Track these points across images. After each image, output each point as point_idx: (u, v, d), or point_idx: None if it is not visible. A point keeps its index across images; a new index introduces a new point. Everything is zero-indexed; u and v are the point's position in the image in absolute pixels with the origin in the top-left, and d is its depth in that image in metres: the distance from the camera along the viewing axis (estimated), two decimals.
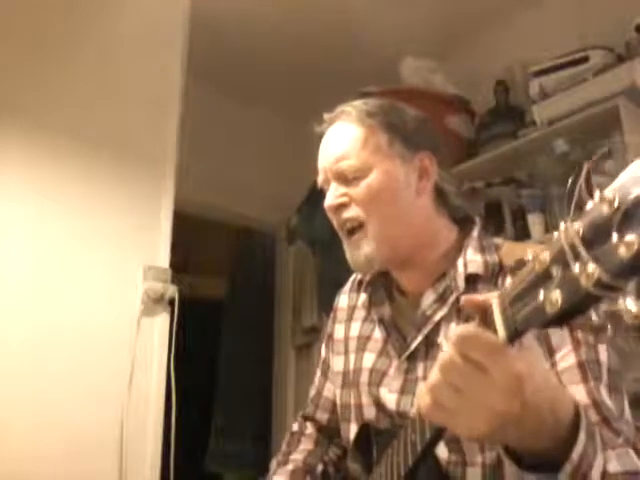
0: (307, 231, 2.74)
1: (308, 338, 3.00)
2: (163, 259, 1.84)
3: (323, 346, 1.14)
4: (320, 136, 0.97)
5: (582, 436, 0.55)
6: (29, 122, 1.69)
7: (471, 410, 0.51)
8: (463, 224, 0.97)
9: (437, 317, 0.88)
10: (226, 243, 3.64)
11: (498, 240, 0.93)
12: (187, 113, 2.04)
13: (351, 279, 1.11)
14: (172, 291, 1.81)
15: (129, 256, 1.78)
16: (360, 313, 1.03)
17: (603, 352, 0.76)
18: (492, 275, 0.87)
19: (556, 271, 0.44)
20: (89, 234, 1.72)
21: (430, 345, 0.88)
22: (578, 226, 0.43)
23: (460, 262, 0.89)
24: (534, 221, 2.18)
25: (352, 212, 0.90)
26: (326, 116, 0.97)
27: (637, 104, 2.00)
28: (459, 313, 0.86)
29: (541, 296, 0.45)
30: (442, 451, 0.81)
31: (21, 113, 1.69)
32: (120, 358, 1.68)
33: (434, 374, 0.54)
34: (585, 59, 2.09)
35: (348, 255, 0.93)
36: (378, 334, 0.97)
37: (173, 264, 1.86)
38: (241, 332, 3.37)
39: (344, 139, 0.92)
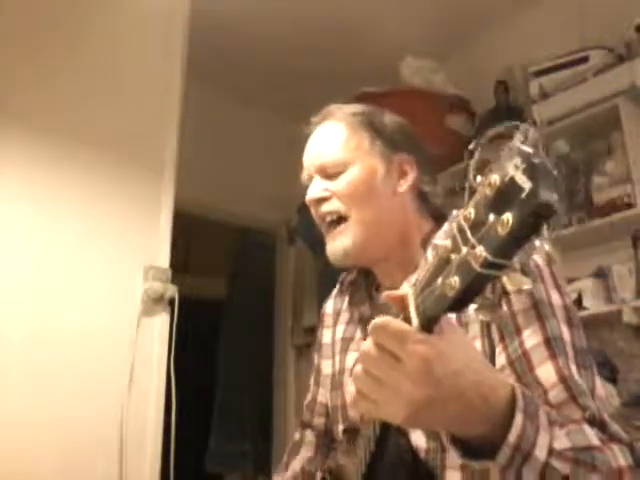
0: (307, 231, 2.74)
1: (308, 338, 3.00)
2: (163, 259, 1.84)
3: (315, 354, 1.15)
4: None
5: (518, 418, 0.55)
6: (29, 123, 1.69)
7: (390, 397, 0.53)
8: (441, 218, 0.98)
9: None
10: (226, 243, 3.64)
11: None
12: (187, 113, 2.04)
13: (338, 283, 1.13)
14: (172, 291, 1.81)
15: (129, 256, 1.78)
16: (345, 315, 1.05)
17: (566, 332, 0.75)
18: None
19: (454, 257, 0.46)
20: (89, 234, 1.72)
21: None
22: (468, 211, 0.44)
23: (429, 251, 0.89)
24: None
25: (332, 205, 0.93)
26: (313, 118, 1.00)
27: (637, 104, 2.00)
28: None
29: (440, 281, 0.47)
30: (420, 440, 0.81)
31: (21, 114, 1.69)
32: (120, 358, 1.68)
33: (357, 365, 0.56)
34: (585, 59, 2.10)
35: (327, 248, 0.95)
36: (359, 334, 0.99)
37: (173, 264, 1.86)
38: (241, 332, 3.37)
39: (327, 136, 0.96)
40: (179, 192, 1.95)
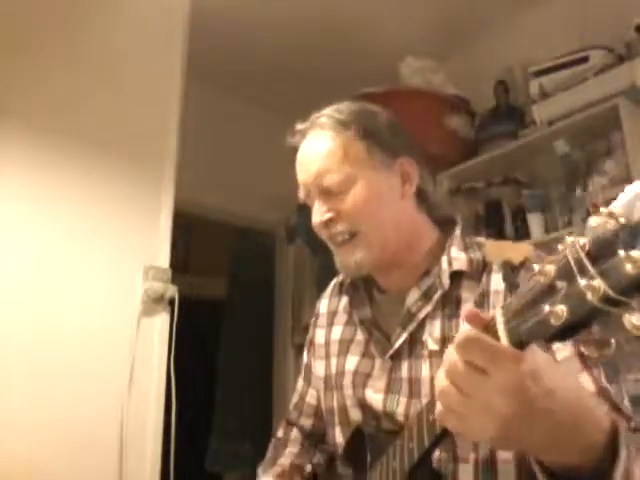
0: (307, 230, 2.74)
1: None
2: (163, 259, 1.84)
3: (305, 352, 1.14)
4: (294, 147, 0.96)
5: (623, 454, 0.54)
6: (29, 123, 1.69)
7: (479, 413, 0.51)
8: (444, 224, 0.97)
9: (422, 314, 0.88)
10: (226, 243, 3.64)
11: (480, 239, 0.94)
12: (187, 113, 2.04)
13: (332, 283, 1.12)
14: (172, 291, 1.81)
15: (129, 256, 1.78)
16: (342, 317, 1.04)
17: None
18: (476, 272, 0.87)
19: (561, 285, 0.44)
20: (89, 234, 1.72)
21: (414, 343, 0.88)
22: (584, 241, 0.43)
23: (444, 260, 0.89)
24: (534, 221, 2.18)
25: (341, 226, 0.90)
26: (299, 127, 0.96)
27: (637, 104, 2.00)
28: (444, 310, 0.87)
29: (546, 309, 0.45)
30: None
31: (21, 114, 1.69)
32: (120, 358, 1.68)
33: (442, 379, 0.54)
34: (585, 59, 2.09)
35: (337, 261, 0.93)
36: (360, 336, 0.97)
37: (173, 264, 1.86)
38: (241, 332, 3.37)
39: (323, 153, 0.91)
40: (179, 192, 1.95)
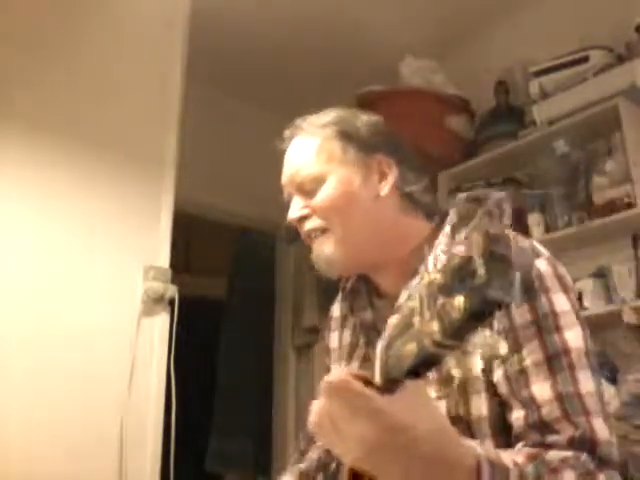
0: None
1: (308, 338, 3.00)
2: (163, 259, 1.84)
3: (327, 358, 1.14)
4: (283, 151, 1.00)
5: None
6: (29, 123, 1.69)
7: (342, 443, 0.55)
8: (439, 218, 0.96)
9: None
10: (226, 243, 3.64)
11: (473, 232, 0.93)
12: (187, 113, 2.04)
13: (340, 289, 1.12)
14: (172, 291, 1.81)
15: (129, 256, 1.78)
16: (350, 321, 1.04)
17: (572, 338, 0.75)
18: None
19: (415, 320, 0.45)
20: (89, 234, 1.72)
21: None
22: (436, 277, 0.43)
23: (430, 258, 0.88)
24: (534, 221, 2.18)
25: (314, 222, 0.92)
26: (285, 133, 1.00)
27: (637, 104, 2.00)
28: None
29: (400, 346, 0.46)
30: None
31: (21, 114, 1.69)
32: (120, 358, 1.68)
33: (320, 400, 0.57)
34: (585, 59, 2.10)
35: (313, 258, 0.94)
36: (362, 340, 0.98)
37: (173, 264, 1.86)
38: (241, 332, 3.36)
39: (298, 153, 0.95)
40: (179, 192, 1.95)
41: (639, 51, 2.00)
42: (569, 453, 0.67)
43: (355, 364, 0.97)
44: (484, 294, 0.39)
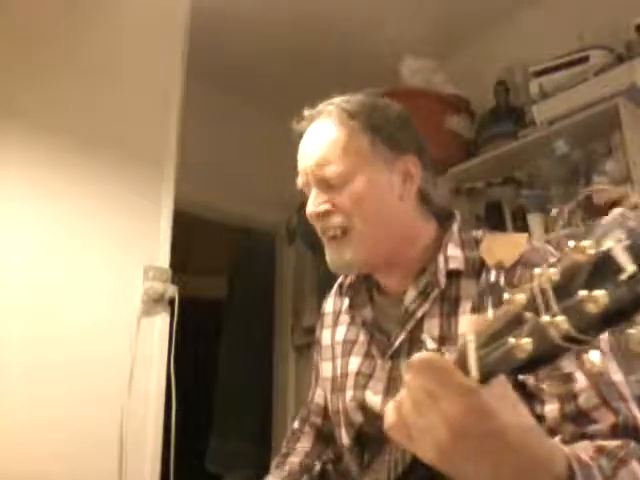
0: (307, 231, 2.74)
1: (308, 338, 2.99)
2: (163, 259, 1.84)
3: (314, 352, 1.14)
4: (300, 134, 0.94)
5: None
6: (29, 123, 1.69)
7: (423, 434, 0.51)
8: (444, 219, 0.95)
9: (419, 313, 0.87)
10: (226, 243, 3.64)
11: (478, 233, 0.92)
12: (187, 113, 2.04)
13: (337, 283, 1.11)
14: (172, 291, 1.81)
15: (129, 256, 1.78)
16: (345, 317, 1.03)
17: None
18: (473, 271, 0.86)
19: (528, 316, 0.43)
20: (89, 234, 1.72)
21: (413, 342, 0.87)
22: (552, 272, 0.42)
23: (440, 258, 0.88)
24: (534, 221, 2.18)
25: (335, 220, 0.88)
26: (306, 113, 0.94)
27: (637, 104, 2.00)
28: (442, 309, 0.86)
29: (512, 341, 0.44)
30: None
31: (21, 113, 1.69)
32: (120, 358, 1.68)
33: (401, 392, 0.54)
34: (585, 59, 2.09)
35: (328, 257, 0.91)
36: (362, 337, 0.97)
37: (173, 264, 1.86)
38: (241, 332, 3.36)
39: (325, 142, 0.89)
40: (179, 192, 1.95)
41: (639, 51, 2.00)
42: (619, 442, 0.65)
43: (356, 361, 0.96)
44: (634, 289, 0.37)
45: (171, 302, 1.81)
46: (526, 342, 0.42)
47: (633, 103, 1.99)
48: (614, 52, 2.08)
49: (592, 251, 0.39)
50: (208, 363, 3.39)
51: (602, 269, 0.38)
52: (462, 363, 0.50)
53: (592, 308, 0.38)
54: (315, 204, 0.89)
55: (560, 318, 0.40)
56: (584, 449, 0.64)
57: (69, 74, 1.79)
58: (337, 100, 0.93)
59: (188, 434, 2.21)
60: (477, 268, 0.86)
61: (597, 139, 2.11)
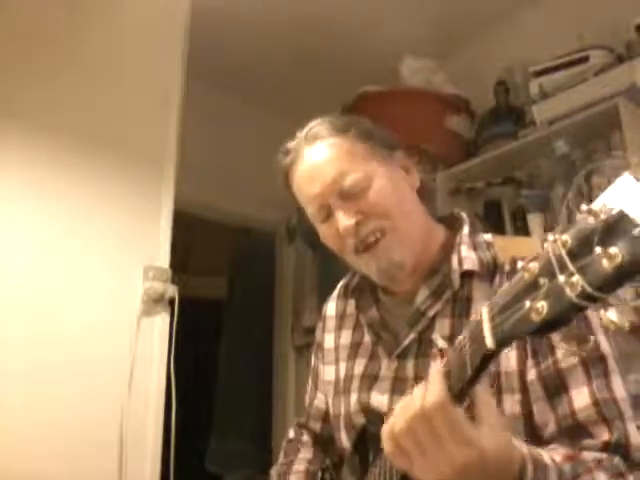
0: (307, 231, 2.73)
1: (308, 338, 2.99)
2: (163, 259, 1.84)
3: (313, 355, 1.13)
4: (285, 166, 0.95)
5: None
6: (29, 122, 1.69)
7: (426, 468, 0.57)
8: (451, 221, 0.96)
9: (431, 313, 0.87)
10: (226, 243, 3.64)
11: (488, 236, 0.93)
12: (187, 113, 2.04)
13: (339, 285, 1.10)
14: (172, 291, 1.81)
15: (129, 256, 1.78)
16: (350, 321, 1.02)
17: (604, 343, 0.76)
18: (487, 272, 0.86)
19: (543, 281, 0.45)
20: (89, 234, 1.72)
21: (422, 342, 0.87)
22: (566, 237, 0.43)
23: (454, 259, 0.88)
24: (534, 221, 2.18)
25: (371, 224, 0.87)
26: (291, 145, 0.95)
27: (637, 104, 1.99)
28: (454, 309, 0.86)
29: (527, 305, 0.46)
30: None
31: (21, 113, 1.69)
32: (120, 358, 1.68)
33: (400, 421, 0.58)
34: (585, 59, 2.09)
35: (374, 266, 0.89)
36: (368, 339, 0.96)
37: (173, 264, 1.86)
38: (241, 332, 3.36)
39: (334, 156, 0.89)
40: (179, 192, 1.95)
41: (639, 51, 2.00)
42: (603, 455, 0.68)
43: (362, 363, 0.95)
44: None
45: (171, 302, 1.81)
46: (541, 305, 0.44)
47: (633, 103, 1.99)
48: (614, 52, 2.08)
49: (604, 213, 0.40)
50: (208, 363, 3.39)
51: (615, 228, 0.39)
52: (477, 333, 0.53)
53: (607, 264, 0.39)
54: (347, 217, 0.87)
55: (576, 277, 0.41)
56: (555, 452, 0.68)
57: (69, 74, 1.79)
58: (321, 122, 0.94)
59: (188, 434, 2.21)
60: (491, 270, 0.87)
61: (597, 139, 2.11)
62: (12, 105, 1.67)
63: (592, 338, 0.73)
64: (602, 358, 0.75)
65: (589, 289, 0.41)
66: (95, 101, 1.82)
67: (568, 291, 0.42)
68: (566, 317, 0.44)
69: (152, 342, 1.76)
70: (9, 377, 1.49)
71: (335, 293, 1.10)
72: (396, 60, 2.56)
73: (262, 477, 1.09)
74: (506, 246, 0.88)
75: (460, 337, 0.57)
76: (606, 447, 0.70)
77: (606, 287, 0.40)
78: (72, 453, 1.53)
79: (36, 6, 1.77)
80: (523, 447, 0.63)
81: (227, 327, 3.46)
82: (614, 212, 0.40)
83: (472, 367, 0.54)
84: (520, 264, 0.48)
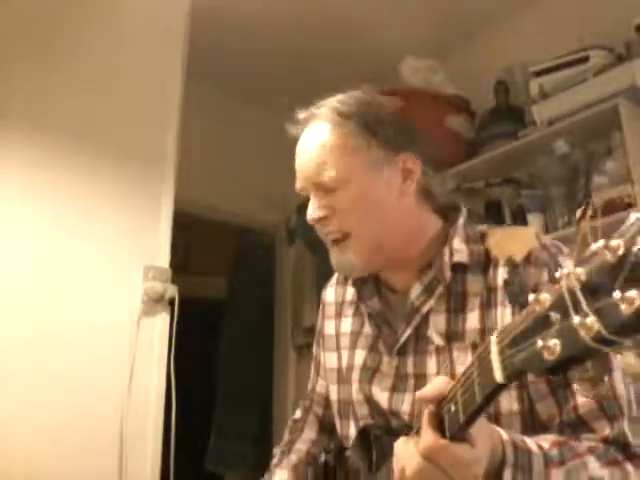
0: (306, 231, 2.73)
1: (308, 338, 2.99)
2: (163, 259, 1.84)
3: (314, 342, 1.13)
4: (293, 145, 0.94)
5: (507, 473, 0.63)
6: (29, 123, 1.69)
7: None
8: (448, 212, 0.95)
9: (425, 309, 0.86)
10: (226, 243, 3.64)
11: (483, 227, 0.91)
12: (187, 113, 2.04)
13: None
14: (172, 291, 1.81)
15: (129, 256, 1.78)
16: (349, 308, 1.02)
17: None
18: (478, 265, 0.86)
19: (555, 317, 0.43)
20: (89, 234, 1.72)
21: (418, 338, 0.87)
22: (580, 272, 0.41)
23: (446, 251, 0.87)
24: (534, 221, 2.18)
25: (334, 224, 0.88)
26: (301, 115, 0.94)
27: (637, 104, 1.99)
28: (449, 304, 0.85)
29: (540, 343, 0.44)
30: None
31: (21, 114, 1.69)
32: (120, 358, 1.68)
33: (415, 459, 0.61)
34: (585, 59, 2.09)
35: (332, 260, 0.91)
36: (368, 329, 0.96)
37: (173, 264, 1.86)
38: (241, 332, 3.36)
39: (321, 146, 0.88)
40: (179, 192, 1.95)
41: (639, 51, 2.00)
42: (599, 444, 0.70)
43: (361, 354, 0.95)
44: None
45: (171, 302, 1.81)
46: (554, 344, 0.42)
47: (633, 103, 1.99)
48: (614, 52, 2.08)
49: (622, 251, 0.38)
50: (208, 363, 3.39)
51: (633, 268, 0.37)
52: (485, 364, 0.52)
53: (626, 309, 0.37)
54: (314, 209, 0.89)
55: (591, 319, 0.39)
56: (544, 439, 0.69)
57: (69, 74, 1.79)
58: (331, 101, 0.92)
59: (188, 434, 2.21)
60: (482, 263, 0.86)
61: (597, 139, 2.11)
62: (12, 105, 1.67)
63: (606, 380, 0.74)
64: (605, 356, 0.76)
65: (605, 333, 0.39)
66: (95, 101, 1.82)
67: (583, 333, 0.40)
68: (580, 359, 0.43)
69: (152, 342, 1.76)
70: (9, 377, 1.49)
71: (334, 279, 1.10)
72: (396, 60, 2.56)
73: (262, 477, 1.09)
74: (501, 242, 0.87)
75: (468, 364, 0.57)
76: (605, 441, 0.71)
77: (624, 332, 0.38)
78: (72, 453, 1.53)
79: (36, 6, 1.77)
80: (503, 433, 0.65)
81: (227, 327, 3.46)
82: (633, 250, 0.38)
83: (482, 395, 0.54)
84: (530, 297, 0.47)
